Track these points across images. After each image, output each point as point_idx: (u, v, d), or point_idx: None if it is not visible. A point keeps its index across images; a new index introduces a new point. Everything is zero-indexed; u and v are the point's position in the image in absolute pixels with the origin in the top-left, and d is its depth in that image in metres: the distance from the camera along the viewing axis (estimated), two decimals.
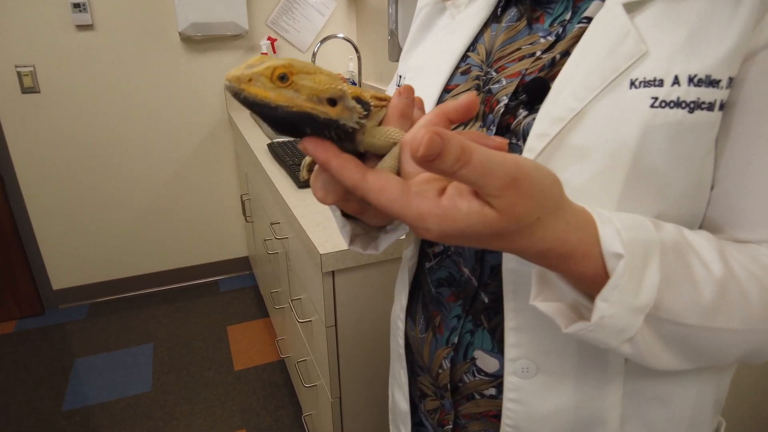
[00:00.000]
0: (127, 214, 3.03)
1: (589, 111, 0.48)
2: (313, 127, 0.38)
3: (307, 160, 0.50)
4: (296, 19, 2.99)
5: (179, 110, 2.93)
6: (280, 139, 2.22)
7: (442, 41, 0.67)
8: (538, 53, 0.55)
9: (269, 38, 2.93)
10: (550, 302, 0.46)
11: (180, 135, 2.98)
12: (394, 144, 0.42)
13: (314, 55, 2.76)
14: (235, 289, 3.22)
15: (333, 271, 1.30)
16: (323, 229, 1.36)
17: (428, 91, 0.62)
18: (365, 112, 0.41)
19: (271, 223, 1.91)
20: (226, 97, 2.97)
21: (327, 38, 2.66)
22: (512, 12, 0.61)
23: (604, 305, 0.41)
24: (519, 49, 0.57)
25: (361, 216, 0.49)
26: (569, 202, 0.40)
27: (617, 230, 0.41)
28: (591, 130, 0.48)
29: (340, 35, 2.68)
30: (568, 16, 0.55)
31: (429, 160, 0.32)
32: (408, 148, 0.37)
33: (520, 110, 0.54)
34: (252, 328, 2.84)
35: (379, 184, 0.36)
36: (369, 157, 0.43)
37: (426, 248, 0.68)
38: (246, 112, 2.91)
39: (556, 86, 0.50)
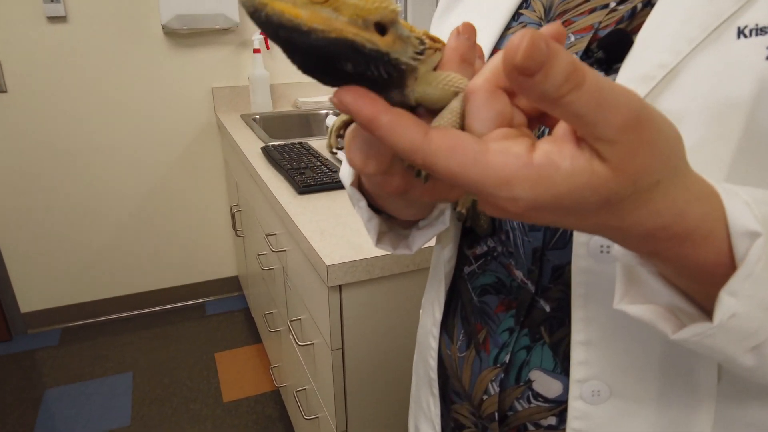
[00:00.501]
0: (103, 228, 3.02)
1: (686, 67, 0.44)
2: (355, 62, 0.33)
3: (338, 122, 0.46)
4: None
5: (162, 112, 2.93)
6: (276, 142, 2.21)
7: (486, 1, 0.64)
8: (613, 4, 0.51)
9: (262, 33, 2.90)
10: (641, 305, 0.41)
11: (163, 140, 2.98)
12: (455, 94, 0.37)
13: None
14: (223, 311, 3.23)
15: (340, 286, 1.28)
16: (329, 237, 1.34)
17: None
18: (422, 47, 0.36)
19: (267, 235, 1.90)
20: (213, 97, 2.97)
21: None
22: None
23: (732, 301, 0.36)
24: (587, 0, 0.53)
25: (404, 196, 0.44)
26: (689, 166, 0.35)
27: (747, 204, 0.36)
28: (690, 90, 0.44)
29: None
30: None
31: (528, 74, 0.27)
32: (476, 93, 0.33)
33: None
34: (243, 355, 2.83)
35: (448, 143, 0.31)
36: (419, 113, 0.38)
37: (465, 250, 0.65)
38: (236, 114, 2.90)
39: (642, 39, 0.47)
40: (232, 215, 2.80)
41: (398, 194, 0.41)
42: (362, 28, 0.32)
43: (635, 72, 0.46)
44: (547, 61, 0.27)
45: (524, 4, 0.60)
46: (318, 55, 0.32)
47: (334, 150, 0.47)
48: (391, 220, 0.58)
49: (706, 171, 0.43)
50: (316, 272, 1.33)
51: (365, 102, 0.32)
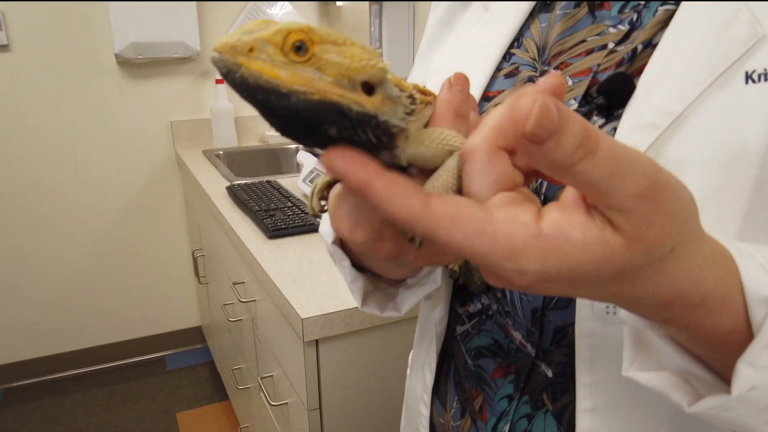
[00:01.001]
0: (51, 278, 2.97)
1: (692, 114, 0.45)
2: (340, 126, 0.33)
3: (320, 183, 0.46)
4: None
5: (115, 149, 2.92)
6: (242, 181, 2.21)
7: (474, 38, 0.65)
8: (611, 45, 0.53)
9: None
10: (651, 371, 0.41)
11: (116, 180, 2.96)
12: (450, 153, 0.37)
13: None
14: (185, 366, 3.19)
15: (317, 340, 1.27)
16: (303, 286, 1.33)
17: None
18: (412, 106, 0.36)
19: (234, 283, 1.87)
20: (172, 132, 2.97)
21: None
22: None
23: (751, 371, 0.36)
24: (584, 41, 0.55)
25: (395, 261, 0.44)
26: (702, 229, 0.36)
27: (763, 267, 0.37)
28: (697, 139, 0.45)
29: None
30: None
31: (538, 141, 0.28)
32: (476, 154, 0.33)
33: (595, 117, 0.52)
34: (208, 415, 2.79)
35: (450, 211, 0.31)
36: (410, 173, 0.39)
37: (457, 307, 0.65)
38: (197, 150, 2.89)
39: (644, 84, 0.48)
40: (194, 260, 2.77)
41: (388, 260, 0.41)
42: (348, 89, 0.32)
43: (639, 119, 0.47)
44: (559, 128, 0.27)
45: (516, 43, 0.61)
46: (299, 119, 0.32)
47: (316, 212, 0.47)
48: (377, 277, 0.58)
49: (717, 226, 0.44)
50: (290, 325, 1.31)
51: (357, 166, 0.32)
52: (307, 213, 1.75)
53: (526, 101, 0.28)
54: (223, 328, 2.46)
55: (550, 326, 0.55)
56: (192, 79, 2.95)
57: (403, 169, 0.38)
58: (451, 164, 0.36)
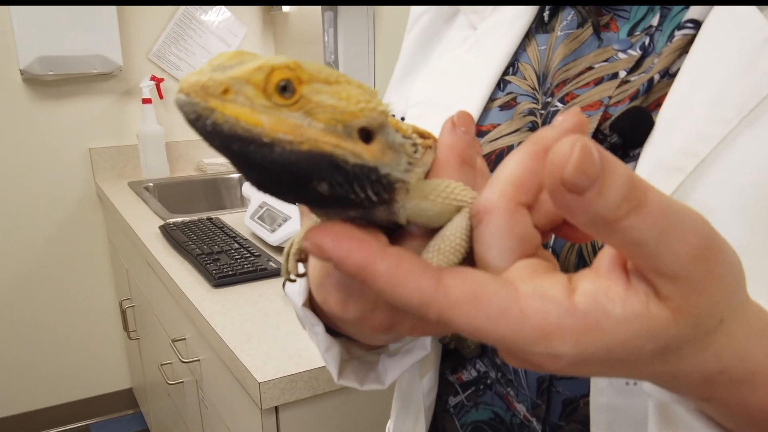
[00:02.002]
0: None
1: (720, 155, 0.46)
2: (334, 182, 0.32)
3: (297, 241, 0.44)
4: (191, 51, 3.03)
5: (23, 182, 2.87)
6: (178, 218, 2.19)
7: (461, 61, 0.66)
8: (623, 73, 0.54)
9: (153, 78, 2.95)
10: None
11: (25, 218, 2.91)
12: (459, 209, 0.37)
13: None
14: None
15: (276, 407, 1.26)
16: (258, 344, 1.32)
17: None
18: (416, 155, 0.36)
19: (173, 340, 1.84)
20: (92, 161, 2.94)
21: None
22: (568, 15, 0.60)
23: None
24: (591, 68, 0.56)
25: (387, 333, 0.44)
26: (749, 296, 0.36)
27: None
28: (726, 183, 0.46)
29: None
30: (654, 21, 0.54)
31: (578, 191, 0.27)
32: (494, 214, 0.33)
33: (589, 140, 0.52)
34: None
35: (468, 291, 0.30)
36: (409, 231, 0.38)
37: (447, 374, 0.65)
38: (122, 182, 2.87)
39: (664, 120, 0.49)
40: (123, 312, 2.71)
41: (379, 332, 0.41)
42: (343, 137, 0.31)
43: (660, 161, 0.47)
44: (602, 175, 0.27)
45: (511, 69, 0.62)
46: (284, 174, 0.31)
47: (293, 278, 0.45)
48: (352, 342, 0.58)
49: (754, 286, 0.45)
50: (244, 390, 1.30)
51: (352, 246, 0.31)
52: (257, 256, 1.74)
53: (564, 144, 0.27)
54: (160, 391, 2.41)
55: (559, 398, 0.55)
56: (114, 98, 2.93)
57: (399, 226, 0.38)
58: (459, 223, 0.36)
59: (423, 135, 0.39)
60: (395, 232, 0.38)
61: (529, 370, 0.33)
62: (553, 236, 0.53)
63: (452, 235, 0.36)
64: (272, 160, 0.30)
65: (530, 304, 0.30)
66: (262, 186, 0.33)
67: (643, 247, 0.28)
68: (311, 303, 0.55)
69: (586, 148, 0.27)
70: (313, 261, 0.39)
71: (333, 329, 0.56)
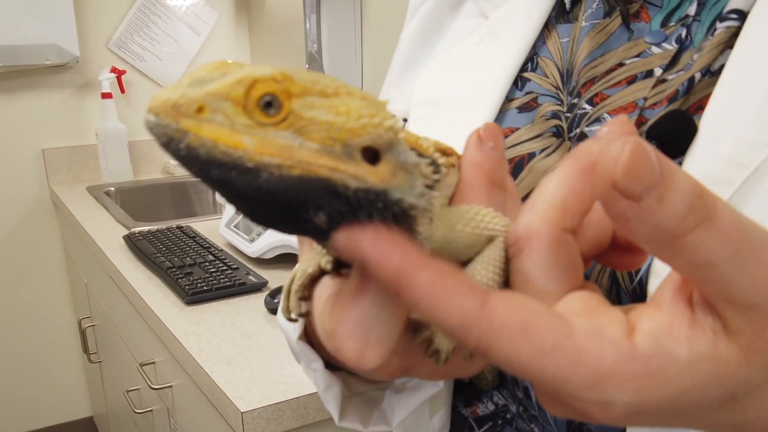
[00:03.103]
0: None
1: None
2: (332, 210, 0.31)
3: (300, 276, 0.42)
4: (156, 39, 3.03)
5: None
6: (144, 227, 2.18)
7: (471, 55, 0.65)
8: (658, 71, 0.53)
9: (114, 69, 2.94)
10: None
11: None
12: (490, 240, 0.36)
13: None
14: None
15: None
16: (238, 369, 1.32)
17: (462, 143, 0.60)
18: (436, 176, 0.35)
19: (141, 364, 1.83)
20: (45, 163, 2.93)
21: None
22: (593, 2, 0.59)
23: None
24: (622, 64, 0.55)
25: (402, 377, 0.43)
26: None
27: None
28: None
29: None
30: (691, 10, 0.54)
31: (634, 196, 0.26)
32: (537, 242, 0.32)
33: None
34: None
35: (516, 319, 0.29)
36: None
37: (460, 408, 0.65)
38: (80, 186, 2.85)
39: (708, 125, 0.48)
40: (82, 332, 2.70)
41: (395, 376, 0.40)
42: (341, 159, 0.30)
43: (705, 173, 0.47)
44: (662, 181, 0.26)
45: (530, 65, 0.61)
46: (274, 203, 0.30)
47: (294, 317, 0.44)
48: (352, 376, 0.56)
49: None
50: (224, 420, 1.29)
51: (393, 249, 0.29)
52: (234, 269, 1.74)
53: (614, 144, 0.26)
54: (126, 420, 2.39)
55: None
56: (70, 93, 2.92)
57: None
58: (491, 255, 0.35)
59: (445, 152, 0.38)
60: None
61: (574, 419, 0.32)
62: None
63: (484, 270, 0.35)
64: (258, 187, 0.29)
65: (586, 344, 0.29)
66: (251, 216, 0.32)
67: (713, 269, 0.27)
68: (307, 335, 0.54)
69: (639, 146, 0.26)
70: (320, 303, 0.38)
71: (330, 361, 0.55)
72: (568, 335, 0.29)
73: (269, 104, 0.29)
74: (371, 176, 0.31)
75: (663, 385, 0.29)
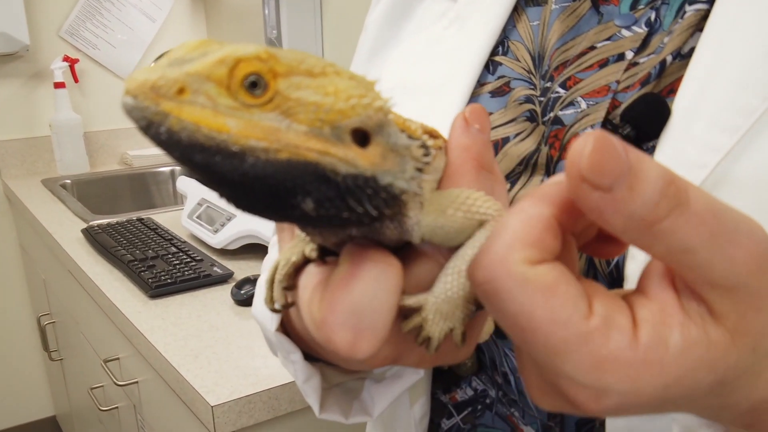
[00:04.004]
0: None
1: (747, 148, 0.46)
2: (321, 196, 0.30)
3: (283, 265, 0.42)
4: (109, 27, 3.00)
5: None
6: (103, 220, 2.17)
7: (440, 40, 0.65)
8: (629, 54, 0.54)
9: (66, 58, 2.91)
10: None
11: None
12: (481, 224, 0.36)
13: None
14: None
15: None
16: (206, 362, 1.32)
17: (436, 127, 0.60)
18: (426, 159, 0.35)
19: (105, 361, 1.82)
20: None
21: (164, 55, 2.62)
22: None
23: None
24: (593, 47, 0.56)
25: (389, 365, 0.43)
26: None
27: None
28: (753, 180, 0.46)
29: None
30: None
31: (604, 187, 0.27)
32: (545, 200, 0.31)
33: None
34: None
35: (549, 278, 0.29)
36: (424, 250, 0.37)
37: (439, 395, 0.65)
38: (35, 179, 2.82)
39: (682, 108, 0.49)
40: (42, 330, 2.67)
41: (382, 366, 0.40)
42: (331, 141, 0.30)
43: (680, 156, 0.47)
44: (630, 169, 0.27)
45: (501, 48, 0.61)
46: (260, 188, 0.29)
47: (278, 307, 0.43)
48: (330, 367, 0.56)
49: None
50: (194, 415, 1.29)
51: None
52: (198, 260, 1.73)
53: (578, 140, 0.27)
54: (91, 418, 2.38)
55: (573, 419, 0.55)
56: (21, 83, 2.89)
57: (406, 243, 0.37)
58: (483, 239, 0.35)
59: (431, 134, 0.38)
60: (403, 249, 0.37)
61: (563, 411, 0.32)
62: None
63: (475, 255, 0.34)
64: (244, 172, 0.29)
65: (597, 326, 0.29)
66: (236, 203, 0.31)
67: (692, 254, 0.28)
68: (283, 327, 0.54)
69: (603, 137, 0.27)
70: (307, 291, 0.37)
71: (308, 352, 0.54)
72: (585, 316, 0.29)
73: (254, 84, 0.29)
74: (361, 159, 0.31)
75: (658, 375, 0.29)
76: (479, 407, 0.62)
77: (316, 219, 0.31)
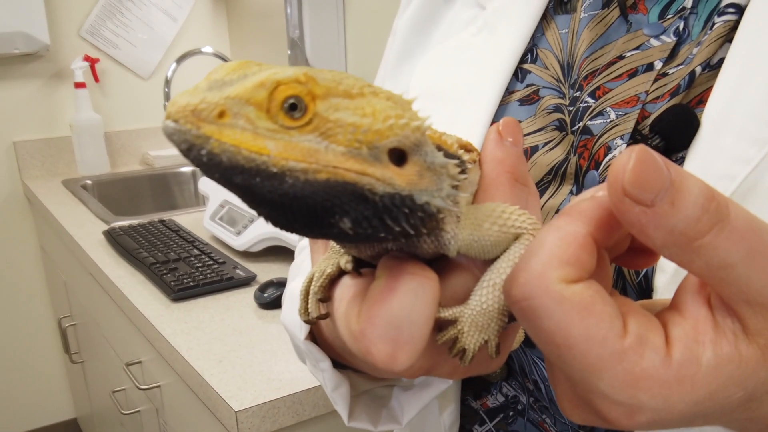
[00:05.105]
0: None
1: None
2: (359, 215, 0.31)
3: (318, 277, 0.42)
4: (130, 26, 3.00)
5: None
6: (125, 222, 2.18)
7: (468, 47, 0.66)
8: (658, 64, 0.54)
9: (87, 57, 2.91)
10: None
11: None
12: (517, 237, 0.37)
13: (167, 82, 2.75)
14: None
15: None
16: (230, 367, 1.32)
17: (463, 136, 0.61)
18: (463, 176, 0.36)
19: (127, 364, 1.83)
20: (17, 157, 2.91)
21: (186, 55, 2.66)
22: None
23: None
24: (622, 57, 0.56)
25: (422, 376, 0.44)
26: None
27: None
28: None
29: (207, 49, 2.69)
30: (688, 3, 0.55)
31: (646, 202, 0.28)
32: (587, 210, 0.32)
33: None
34: None
35: (586, 295, 0.30)
36: (459, 263, 0.38)
37: (469, 401, 0.66)
38: (55, 180, 2.85)
39: (711, 120, 0.49)
40: (63, 332, 2.67)
41: (415, 376, 0.41)
42: (369, 162, 0.31)
43: (708, 168, 0.48)
44: (672, 185, 0.27)
45: (529, 56, 0.62)
46: (299, 208, 0.30)
47: (313, 319, 0.44)
48: (358, 374, 0.57)
49: None
50: (217, 420, 1.29)
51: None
52: (221, 263, 1.74)
53: (621, 154, 0.28)
54: (112, 421, 2.38)
55: (604, 428, 0.55)
56: (41, 83, 2.90)
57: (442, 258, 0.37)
58: (519, 253, 0.36)
59: (466, 148, 0.38)
60: (438, 261, 0.38)
61: (594, 425, 0.33)
62: None
63: (510, 268, 0.36)
64: (283, 193, 0.30)
65: (632, 344, 0.30)
66: (275, 222, 0.32)
67: (730, 270, 0.29)
68: (312, 335, 0.55)
69: (646, 152, 0.27)
70: (343, 303, 0.38)
71: (336, 360, 0.55)
72: (620, 335, 0.30)
73: (293, 107, 0.30)
74: (398, 179, 0.32)
75: (690, 392, 0.30)
76: (511, 413, 0.62)
77: (353, 237, 0.32)
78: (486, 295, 0.36)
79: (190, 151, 0.29)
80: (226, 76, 0.30)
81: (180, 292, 1.61)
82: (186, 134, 0.28)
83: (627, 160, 0.28)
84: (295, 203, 0.30)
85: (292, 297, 0.61)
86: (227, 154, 0.29)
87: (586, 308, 0.30)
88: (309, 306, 0.43)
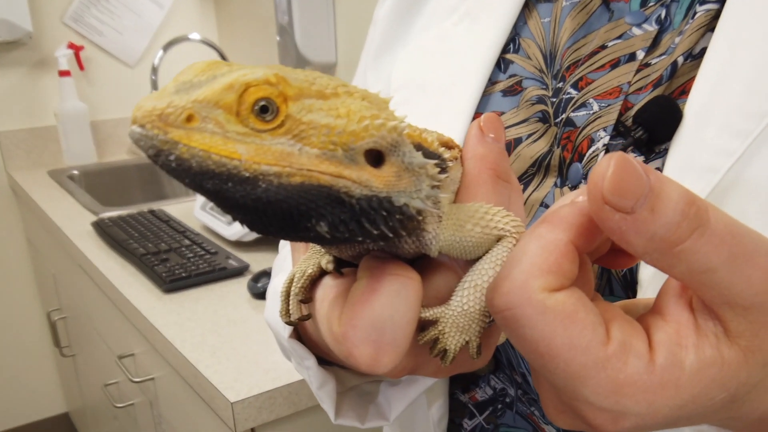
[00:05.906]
0: None
1: (758, 153, 0.47)
2: (335, 219, 0.31)
3: (299, 277, 0.43)
4: (115, 13, 2.99)
5: None
6: (113, 212, 2.18)
7: (450, 36, 0.66)
8: (640, 54, 0.55)
9: (71, 45, 2.90)
10: None
11: None
12: (499, 239, 0.37)
13: (154, 69, 2.74)
14: None
15: (253, 429, 1.26)
16: (224, 358, 1.33)
17: (446, 128, 0.61)
18: (443, 176, 0.36)
19: (119, 357, 1.83)
20: (1, 147, 2.91)
21: (173, 42, 2.65)
22: None
23: None
24: (604, 47, 0.57)
25: (406, 375, 0.44)
26: None
27: None
28: (763, 186, 0.47)
29: (194, 36, 2.67)
30: None
31: (626, 209, 0.28)
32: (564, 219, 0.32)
33: (630, 154, 0.53)
34: None
35: (569, 305, 0.31)
36: (441, 261, 0.39)
37: (458, 395, 0.66)
38: (41, 171, 2.84)
39: (693, 112, 0.50)
40: (52, 325, 2.68)
41: (399, 376, 0.41)
42: (344, 163, 0.30)
43: (691, 160, 0.48)
44: (651, 191, 0.28)
45: (511, 46, 0.62)
46: (273, 212, 0.30)
47: (294, 320, 0.44)
48: (344, 370, 0.57)
49: None
50: (213, 412, 1.30)
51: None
52: (213, 253, 1.75)
53: (601, 162, 0.28)
54: (106, 415, 2.38)
55: None
56: (25, 71, 2.88)
57: (422, 258, 0.37)
58: (499, 255, 0.36)
59: (447, 145, 0.39)
60: (420, 260, 0.38)
61: (580, 430, 0.34)
62: None
63: (492, 270, 0.36)
64: (257, 197, 0.29)
65: (616, 352, 0.30)
66: (250, 226, 0.32)
67: (711, 273, 0.29)
68: (297, 332, 0.55)
69: (624, 159, 0.28)
70: (324, 304, 0.38)
71: (321, 357, 0.55)
72: (603, 342, 0.31)
73: (265, 109, 0.29)
74: (375, 180, 0.32)
75: (674, 396, 0.31)
76: (500, 406, 0.63)
77: (331, 240, 0.32)
78: (467, 296, 0.36)
79: (158, 156, 0.29)
80: (195, 77, 0.30)
81: (172, 283, 1.61)
82: (153, 139, 0.28)
83: (606, 167, 0.28)
84: (269, 208, 0.30)
85: (275, 294, 0.61)
86: (196, 159, 0.29)
87: (569, 317, 0.30)
88: (290, 307, 0.44)
